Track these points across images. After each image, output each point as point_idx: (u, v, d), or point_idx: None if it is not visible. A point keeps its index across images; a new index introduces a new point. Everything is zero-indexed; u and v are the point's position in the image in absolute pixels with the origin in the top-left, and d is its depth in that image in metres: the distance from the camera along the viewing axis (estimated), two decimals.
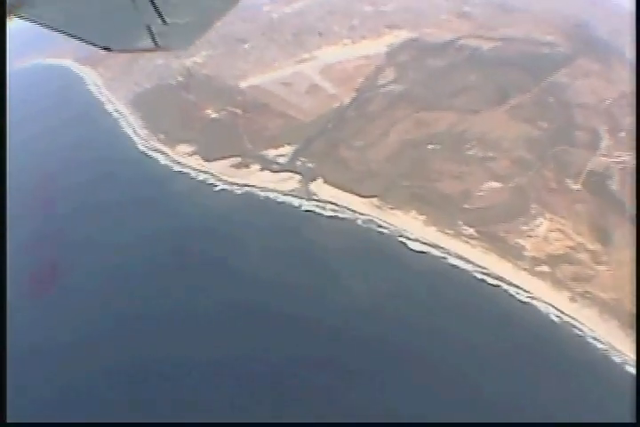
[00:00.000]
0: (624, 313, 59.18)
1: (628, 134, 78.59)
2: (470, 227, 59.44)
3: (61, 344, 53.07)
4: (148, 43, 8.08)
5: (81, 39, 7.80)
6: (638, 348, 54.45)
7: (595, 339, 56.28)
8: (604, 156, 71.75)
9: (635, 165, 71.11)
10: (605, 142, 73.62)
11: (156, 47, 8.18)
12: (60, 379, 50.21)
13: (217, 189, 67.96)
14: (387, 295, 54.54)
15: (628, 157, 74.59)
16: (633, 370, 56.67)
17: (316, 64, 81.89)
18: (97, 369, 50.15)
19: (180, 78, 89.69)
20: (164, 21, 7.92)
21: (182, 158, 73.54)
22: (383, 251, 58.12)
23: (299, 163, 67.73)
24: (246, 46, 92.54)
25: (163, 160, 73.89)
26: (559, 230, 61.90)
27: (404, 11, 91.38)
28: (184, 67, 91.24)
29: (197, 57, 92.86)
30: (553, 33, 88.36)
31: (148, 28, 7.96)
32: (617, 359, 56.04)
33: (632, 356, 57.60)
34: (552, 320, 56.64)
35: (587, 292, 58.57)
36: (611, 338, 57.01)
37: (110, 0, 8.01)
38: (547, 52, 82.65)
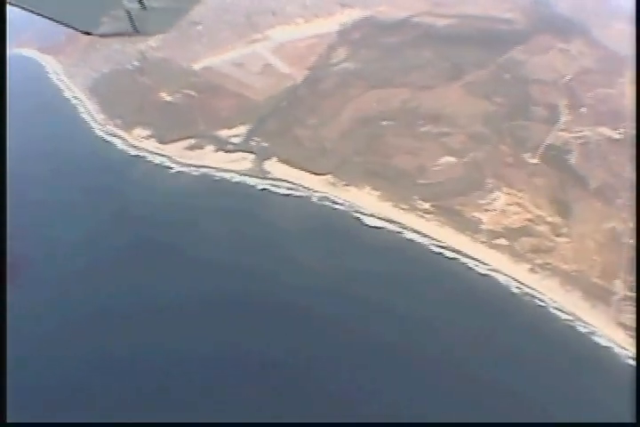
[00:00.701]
0: (588, 284, 61.06)
1: (589, 109, 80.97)
2: (426, 201, 60.81)
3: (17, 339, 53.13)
4: (127, 27, 8.31)
5: (62, 23, 7.96)
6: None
7: (557, 309, 58.03)
8: (562, 131, 73.79)
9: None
10: (565, 117, 75.72)
11: (135, 31, 8.52)
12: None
13: (173, 171, 68.53)
14: (344, 272, 55.61)
15: (589, 132, 76.90)
16: (600, 340, 58.64)
17: (268, 44, 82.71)
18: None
19: (135, 63, 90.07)
20: (142, 6, 8.15)
21: (138, 142, 74.12)
22: (339, 227, 59.16)
23: (253, 142, 68.47)
24: (199, 28, 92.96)
25: (120, 145, 74.44)
26: (517, 204, 63.62)
27: None
28: (139, 51, 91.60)
29: (152, 41, 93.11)
30: (511, 10, 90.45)
31: (128, 13, 8.15)
32: (582, 329, 57.90)
33: (598, 327, 59.58)
34: (512, 292, 58.31)
35: (547, 263, 60.33)
36: (575, 309, 58.82)
37: None
38: (504, 29, 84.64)
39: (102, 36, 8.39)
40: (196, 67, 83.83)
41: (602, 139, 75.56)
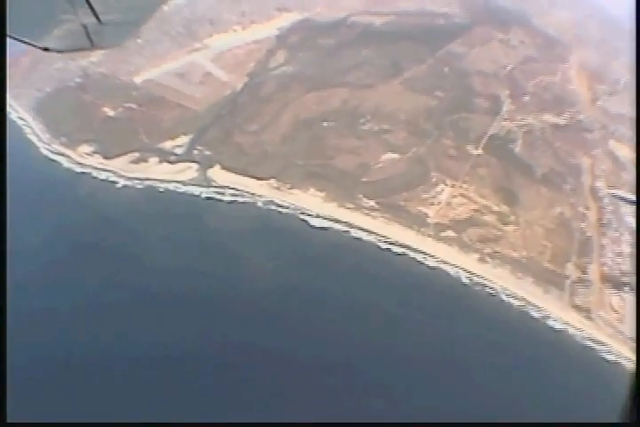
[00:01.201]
0: (539, 270, 62.82)
1: (532, 97, 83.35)
2: (370, 199, 62.20)
3: None
4: (84, 41, 8.44)
5: (19, 40, 8.03)
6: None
7: (509, 296, 59.67)
8: (506, 120, 75.93)
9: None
10: (507, 107, 77.92)
11: (93, 46, 8.60)
12: None
13: (119, 186, 68.97)
14: (293, 273, 56.72)
15: (533, 120, 79.21)
16: (554, 324, 60.25)
17: (208, 53, 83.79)
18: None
19: (78, 80, 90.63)
20: (99, 20, 8.24)
21: (84, 159, 74.50)
22: (285, 230, 60.18)
23: (196, 152, 69.24)
24: (139, 41, 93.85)
25: (65, 163, 74.54)
26: (462, 195, 65.34)
27: None
28: (81, 68, 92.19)
29: (93, 56, 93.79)
30: (449, 4, 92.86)
31: (84, 27, 8.28)
32: (536, 314, 59.57)
33: (551, 311, 61.27)
34: (463, 282, 59.83)
35: (496, 252, 62.03)
36: (527, 294, 60.49)
37: (46, 0, 8.35)
38: (442, 23, 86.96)
39: (60, 51, 8.43)
40: (138, 80, 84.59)
41: (546, 126, 77.84)
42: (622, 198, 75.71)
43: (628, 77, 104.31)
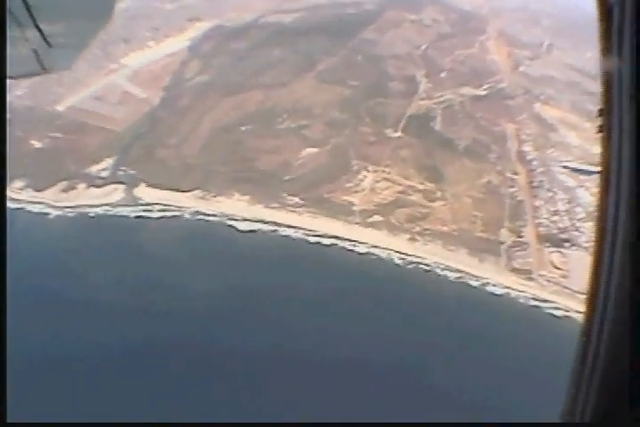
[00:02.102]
0: (472, 240, 64.02)
1: (449, 73, 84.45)
2: (295, 196, 63.17)
3: None
4: (34, 66, 7.97)
5: None
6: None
7: (445, 269, 60.87)
8: (423, 99, 77.03)
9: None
10: (424, 86, 79.01)
11: (43, 70, 9.06)
12: None
13: (51, 216, 69.60)
14: (224, 276, 57.56)
15: (452, 95, 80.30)
16: (494, 289, 61.43)
17: (124, 72, 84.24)
18: None
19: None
20: (48, 44, 7.90)
21: (17, 195, 75.19)
22: (213, 238, 61.07)
23: (120, 173, 69.96)
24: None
25: None
26: (385, 179, 66.40)
27: (205, 1, 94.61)
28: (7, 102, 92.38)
29: (17, 90, 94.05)
30: None
31: (35, 52, 7.95)
32: (474, 283, 60.80)
33: (490, 277, 62.35)
34: (396, 263, 60.95)
35: (425, 229, 63.16)
36: (462, 266, 61.70)
37: None
38: (352, 12, 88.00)
39: (11, 78, 7.59)
40: (61, 108, 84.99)
41: (465, 99, 78.97)
42: (579, 170, 76.48)
43: (550, 40, 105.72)
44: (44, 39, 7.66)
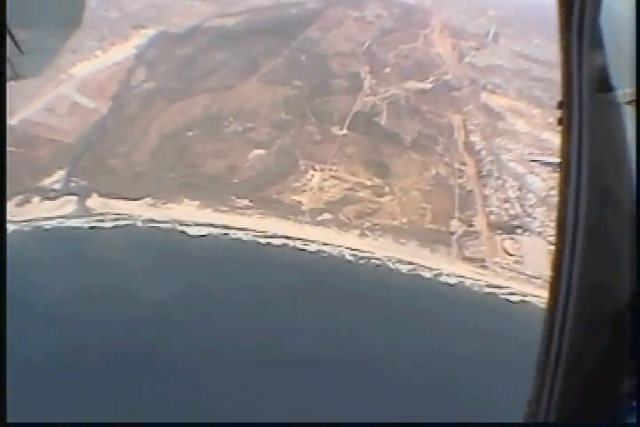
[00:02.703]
0: (422, 232, 64.92)
1: (394, 68, 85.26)
2: (243, 198, 63.66)
3: None
4: (10, 73, 8.11)
5: None
6: None
7: (397, 263, 61.68)
8: (368, 96, 77.81)
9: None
10: (368, 82, 79.75)
11: (17, 77, 8.38)
12: None
13: (8, 232, 69.56)
14: (177, 285, 57.90)
15: (397, 90, 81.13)
16: (448, 279, 62.35)
17: (73, 83, 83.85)
18: None
19: None
20: (20, 50, 7.97)
21: None
22: (165, 244, 61.40)
23: (73, 184, 69.88)
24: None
25: None
26: (333, 177, 67.14)
27: (149, 8, 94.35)
28: None
29: None
30: None
31: (8, 59, 7.94)
32: (427, 274, 61.67)
33: (443, 268, 63.23)
34: (348, 260, 61.67)
35: (375, 224, 63.99)
36: (414, 258, 62.55)
37: None
38: (295, 13, 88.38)
39: None
40: (13, 122, 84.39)
41: (410, 93, 79.86)
42: (546, 163, 77.30)
43: (497, 29, 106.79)
44: (16, 46, 7.74)
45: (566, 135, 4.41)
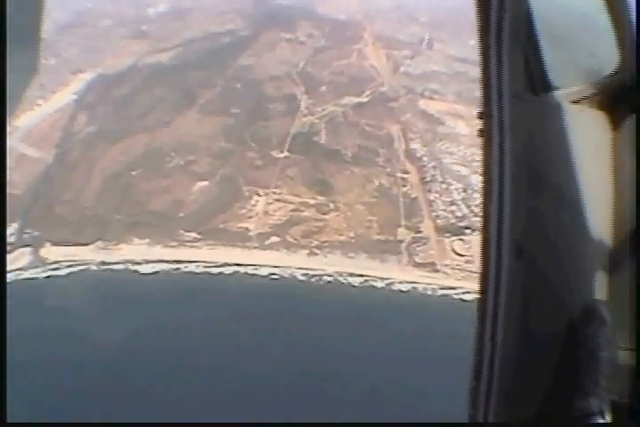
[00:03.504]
0: (370, 244, 65.26)
1: (329, 86, 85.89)
2: (191, 232, 63.80)
3: None
4: None
5: None
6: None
7: (348, 277, 61.95)
8: (305, 116, 78.36)
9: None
10: (305, 103, 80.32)
11: None
12: None
13: None
14: (131, 324, 57.64)
15: (334, 107, 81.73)
16: (400, 286, 62.57)
17: (17, 134, 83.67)
18: None
19: None
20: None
21: None
22: (119, 285, 61.28)
23: (25, 236, 69.64)
24: None
25: None
26: (277, 200, 67.47)
27: (86, 52, 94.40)
28: None
29: None
30: (231, 20, 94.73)
31: None
32: (379, 284, 61.93)
33: (394, 276, 63.55)
34: (300, 279, 61.85)
35: (323, 242, 64.31)
36: (364, 270, 62.81)
37: None
38: (227, 41, 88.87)
39: None
40: None
41: (347, 109, 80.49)
42: None
43: (430, 34, 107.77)
44: None
45: (487, 146, 4.16)
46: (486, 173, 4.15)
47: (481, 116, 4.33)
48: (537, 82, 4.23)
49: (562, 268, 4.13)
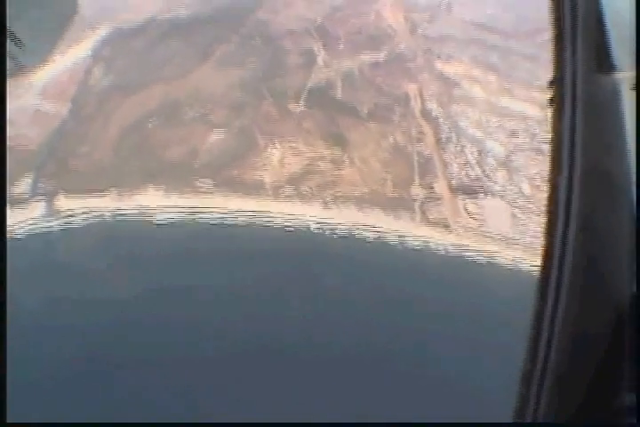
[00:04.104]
0: (384, 200, 63.79)
1: (346, 43, 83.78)
2: (206, 180, 62.55)
3: None
4: (11, 66, 7.90)
5: None
6: None
7: (361, 231, 60.79)
8: (322, 70, 76.47)
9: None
10: (322, 58, 78.36)
11: (22, 67, 8.01)
12: None
13: None
14: (150, 278, 56.91)
15: (350, 63, 79.82)
16: (415, 243, 61.53)
17: (33, 90, 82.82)
18: None
19: None
20: (18, 44, 7.98)
21: None
22: (135, 233, 60.44)
23: (39, 189, 68.99)
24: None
25: None
26: (292, 152, 65.93)
27: (103, 10, 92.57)
28: None
29: None
30: None
31: (10, 55, 7.94)
32: (393, 239, 60.76)
33: (408, 233, 62.38)
34: (313, 231, 60.69)
35: (337, 195, 62.91)
36: (379, 224, 61.58)
37: None
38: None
39: None
40: None
41: (364, 66, 78.51)
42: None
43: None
44: (14, 38, 8.09)
45: (558, 115, 4.56)
46: (555, 142, 4.64)
47: (552, 83, 4.79)
48: (605, 62, 4.68)
49: (614, 254, 4.39)
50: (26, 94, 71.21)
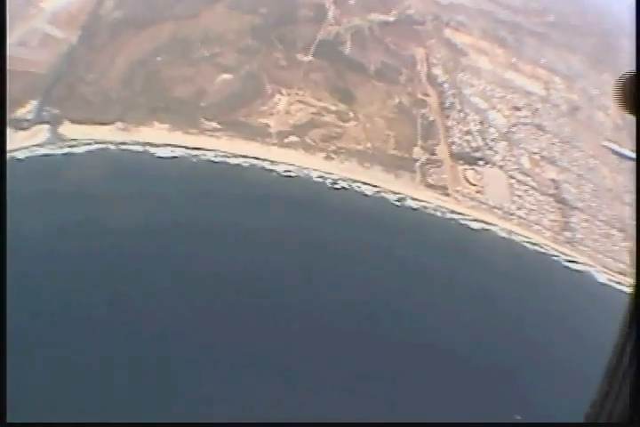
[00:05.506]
0: (386, 158, 63.28)
1: (357, 1, 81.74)
2: (212, 121, 61.26)
3: None
4: None
5: None
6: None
7: (361, 186, 60.21)
8: (332, 25, 74.70)
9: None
10: (332, 13, 76.47)
11: None
12: None
13: None
14: (151, 210, 55.53)
15: (360, 21, 77.94)
16: (411, 203, 61.07)
17: (44, 16, 79.47)
18: None
19: None
20: None
21: None
22: (137, 166, 59.00)
23: (45, 113, 66.68)
24: None
25: None
26: (299, 101, 64.84)
27: None
28: None
29: None
30: None
31: None
32: (392, 198, 60.29)
33: (406, 193, 61.73)
34: (314, 181, 59.98)
35: (340, 148, 62.21)
36: (379, 182, 61.11)
37: None
38: None
39: None
40: None
41: (374, 25, 76.87)
42: (619, 154, 74.16)
43: None
44: None
45: None
46: None
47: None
48: None
49: None
50: (36, 18, 67.27)
